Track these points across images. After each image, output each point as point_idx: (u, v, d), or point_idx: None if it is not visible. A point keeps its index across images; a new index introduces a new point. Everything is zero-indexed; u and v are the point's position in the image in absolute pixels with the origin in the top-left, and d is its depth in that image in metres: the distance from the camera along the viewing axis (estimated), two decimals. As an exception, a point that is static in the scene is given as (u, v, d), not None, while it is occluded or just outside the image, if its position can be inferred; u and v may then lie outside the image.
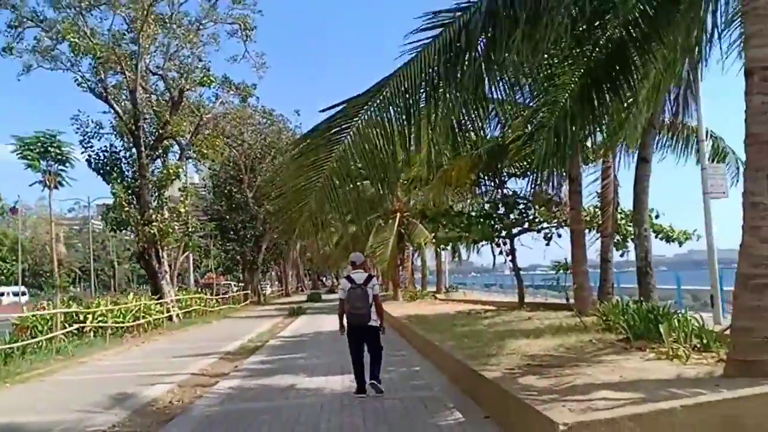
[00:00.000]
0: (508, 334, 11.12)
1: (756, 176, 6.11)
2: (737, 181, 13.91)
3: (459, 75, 8.00)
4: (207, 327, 24.92)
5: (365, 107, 7.38)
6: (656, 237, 16.83)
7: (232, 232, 48.39)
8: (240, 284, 51.22)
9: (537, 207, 16.96)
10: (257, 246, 48.64)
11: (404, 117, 7.54)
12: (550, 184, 15.07)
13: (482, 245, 18.96)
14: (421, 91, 7.66)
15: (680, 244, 16.53)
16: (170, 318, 26.77)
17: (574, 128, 9.08)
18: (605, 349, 8.45)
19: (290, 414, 7.60)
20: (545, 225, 17.58)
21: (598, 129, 10.27)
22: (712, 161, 13.56)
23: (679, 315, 8.65)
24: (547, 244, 17.56)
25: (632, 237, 15.52)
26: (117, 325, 20.46)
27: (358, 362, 8.51)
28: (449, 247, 30.72)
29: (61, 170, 18.25)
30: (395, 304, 27.65)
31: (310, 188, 7.81)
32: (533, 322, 12.86)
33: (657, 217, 16.24)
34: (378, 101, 7.40)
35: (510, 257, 17.98)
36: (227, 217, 48.29)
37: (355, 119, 7.38)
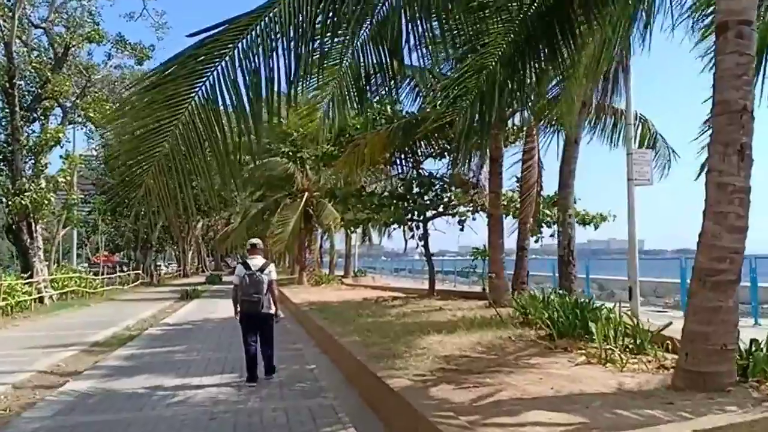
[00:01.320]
0: (418, 327, 9.87)
1: (725, 152, 5.05)
2: (667, 169, 13.27)
3: (372, 19, 6.58)
4: (82, 311, 22.34)
5: (243, 35, 5.63)
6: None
7: (125, 208, 44.89)
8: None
9: (454, 189, 15.88)
10: (152, 223, 45.41)
11: (293, 57, 5.88)
12: (471, 164, 14.04)
13: (394, 228, 17.71)
14: (319, 23, 6.04)
15: (596, 227, 15.93)
16: (41, 300, 23.94)
17: (501, 97, 7.82)
18: (527, 349, 7.33)
19: None
20: (460, 209, 16.53)
21: (528, 101, 9.11)
22: (641, 146, 12.81)
23: (607, 310, 7.67)
24: (461, 229, 16.55)
25: (548, 223, 14.74)
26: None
27: (251, 350, 8.15)
28: (359, 230, 29.42)
29: None
30: (299, 289, 26.07)
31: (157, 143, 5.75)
32: (445, 314, 11.72)
33: (574, 202, 15.51)
34: (259, 30, 5.65)
35: (422, 242, 16.84)
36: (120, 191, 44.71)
37: (228, 47, 5.59)
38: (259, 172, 29.06)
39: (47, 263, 27.39)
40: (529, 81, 7.83)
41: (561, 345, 7.27)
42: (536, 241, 14.96)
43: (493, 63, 7.64)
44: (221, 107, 5.86)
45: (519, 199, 13.52)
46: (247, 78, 5.80)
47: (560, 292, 9.78)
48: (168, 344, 12.47)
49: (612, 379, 5.51)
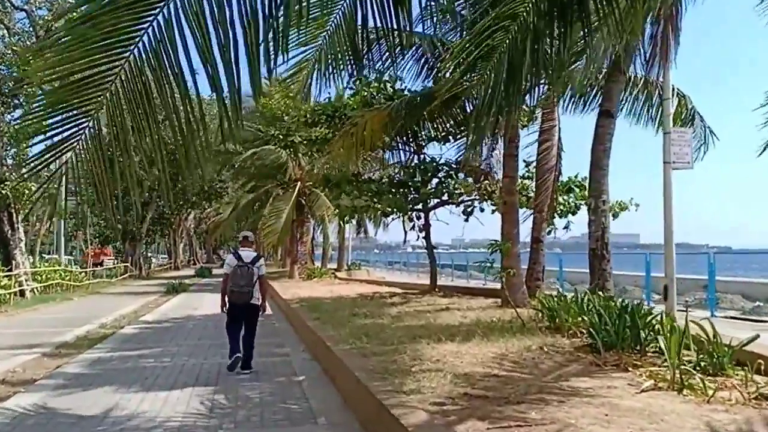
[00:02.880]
0: (424, 331, 8.46)
1: None
2: (703, 153, 11.82)
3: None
4: (63, 306, 20.85)
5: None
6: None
7: (115, 199, 43.18)
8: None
9: (460, 176, 14.42)
10: (141, 215, 43.84)
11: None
12: (482, 147, 12.63)
13: (392, 219, 16.27)
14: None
15: (614, 216, 14.44)
16: (22, 294, 22.44)
17: (536, 56, 6.34)
18: (569, 365, 5.91)
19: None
20: (465, 198, 15.08)
21: (554, 66, 7.62)
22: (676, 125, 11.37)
23: (669, 319, 6.26)
24: (466, 220, 15.09)
25: (562, 212, 13.32)
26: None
27: (235, 339, 8.29)
28: (354, 221, 27.94)
29: None
30: (289, 283, 24.65)
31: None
32: (453, 314, 10.31)
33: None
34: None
35: (423, 233, 15.39)
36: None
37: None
38: (249, 161, 27.60)
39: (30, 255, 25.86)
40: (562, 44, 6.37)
41: (610, 360, 5.86)
42: (549, 233, 13.53)
43: (527, 10, 6.17)
44: (181, 52, 4.35)
45: (534, 186, 12.09)
46: (215, 11, 4.30)
47: (599, 292, 8.36)
48: (141, 346, 11.02)
49: (701, 416, 4.10)
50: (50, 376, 8.39)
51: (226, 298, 8.29)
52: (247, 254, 8.33)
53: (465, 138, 14.37)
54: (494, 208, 14.75)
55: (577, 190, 13.65)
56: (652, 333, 6.15)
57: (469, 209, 14.66)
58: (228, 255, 9.07)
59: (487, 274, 10.81)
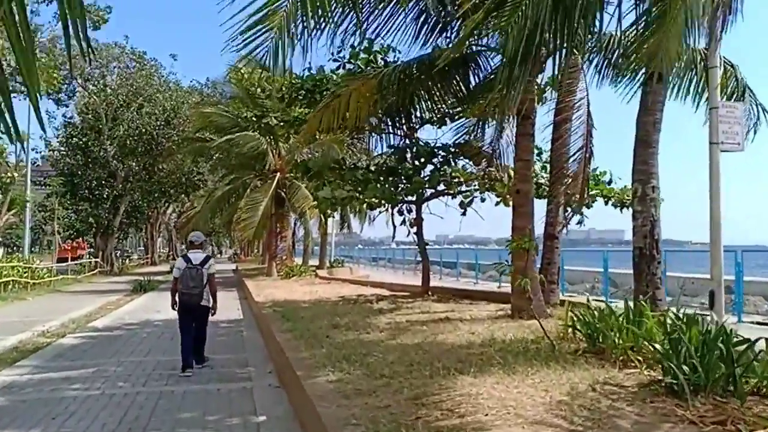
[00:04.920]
0: (423, 354, 6.56)
1: None
2: (753, 133, 9.97)
3: None
4: (11, 307, 18.65)
5: None
6: (606, 203, 12.91)
7: (86, 191, 40.88)
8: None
9: (459, 163, 12.51)
10: (114, 207, 41.48)
11: None
12: (485, 128, 10.77)
13: (379, 212, 14.31)
14: None
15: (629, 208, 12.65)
16: (-34, 292, 20.28)
17: None
18: (655, 417, 4.03)
19: None
20: (463, 188, 13.18)
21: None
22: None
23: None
24: (464, 213, 13.18)
25: (587, 204, 11.48)
26: None
27: (187, 340, 8.27)
28: (336, 215, 25.93)
29: None
30: (266, 282, 22.62)
31: None
32: (457, 328, 8.41)
33: (610, 182, 12.26)
34: None
35: (415, 228, 13.46)
36: (80, 173, 40.69)
37: None
38: (225, 147, 25.53)
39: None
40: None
41: (704, 412, 3.99)
42: (579, 223, 11.67)
43: None
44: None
45: (549, 171, 10.24)
46: None
47: (642, 301, 6.47)
48: (73, 364, 8.99)
49: None
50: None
51: (177, 299, 8.36)
52: (196, 256, 8.42)
53: (465, 118, 12.49)
54: (498, 199, 12.87)
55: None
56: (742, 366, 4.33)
57: (467, 200, 12.74)
58: (178, 258, 9.24)
59: (502, 276, 8.85)
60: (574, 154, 8.74)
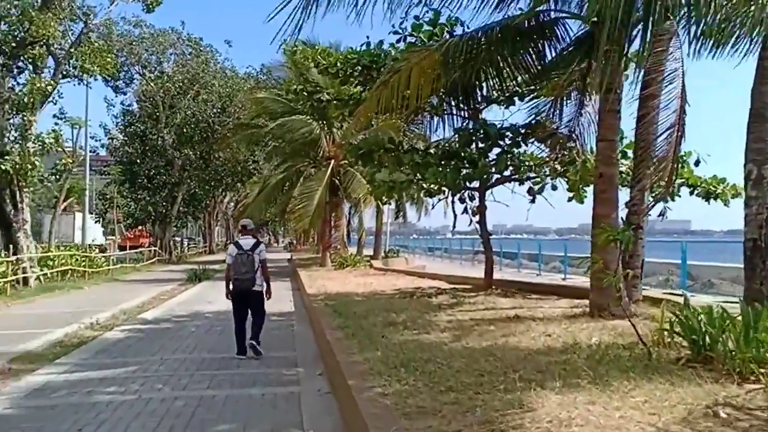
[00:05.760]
0: (494, 362, 5.65)
1: None
2: None
3: None
4: (67, 296, 18.61)
5: None
6: (691, 193, 11.61)
7: (144, 179, 41.39)
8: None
9: (527, 149, 11.40)
10: (171, 196, 41.82)
11: None
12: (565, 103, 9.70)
13: (438, 199, 13.31)
14: None
15: (726, 203, 11.29)
16: (25, 282, 20.39)
17: None
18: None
19: None
20: (531, 175, 12.07)
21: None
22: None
23: None
24: (532, 201, 12.08)
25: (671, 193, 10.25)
26: None
27: (241, 326, 8.48)
28: (392, 203, 25.06)
29: None
30: (319, 272, 22.00)
31: None
32: (530, 329, 7.45)
33: (697, 164, 10.91)
34: None
35: (477, 217, 12.46)
36: (138, 161, 41.23)
37: None
38: (279, 133, 25.06)
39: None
40: None
41: None
42: (661, 215, 10.43)
43: None
44: None
45: (633, 153, 9.08)
46: None
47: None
48: (114, 362, 8.46)
49: None
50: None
51: (231, 287, 8.48)
52: (247, 242, 8.49)
53: (537, 97, 11.39)
54: (570, 188, 11.70)
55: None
56: None
57: (538, 187, 11.63)
58: (230, 245, 9.33)
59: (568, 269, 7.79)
60: (662, 133, 7.59)
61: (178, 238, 51.49)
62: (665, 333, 5.91)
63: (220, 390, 6.73)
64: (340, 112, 13.26)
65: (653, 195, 9.88)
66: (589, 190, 11.68)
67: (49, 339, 10.44)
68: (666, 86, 7.57)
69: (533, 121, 11.10)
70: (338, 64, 11.88)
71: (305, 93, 14.07)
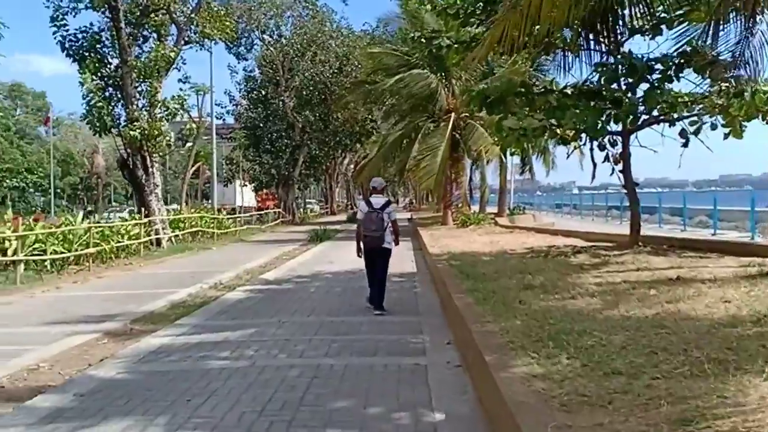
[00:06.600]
0: (669, 336, 4.52)
1: None
2: None
3: None
4: (195, 257, 19.12)
5: None
6: None
7: (267, 143, 42.38)
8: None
9: (680, 80, 9.69)
10: (293, 159, 42.54)
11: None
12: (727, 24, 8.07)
13: (575, 147, 11.83)
14: None
15: None
16: (158, 243, 21.25)
17: None
18: None
19: None
20: (685, 114, 10.36)
21: None
22: None
23: None
24: (685, 144, 10.40)
25: None
26: (56, 256, 15.04)
27: (373, 281, 8.66)
28: (519, 156, 23.54)
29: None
30: (441, 232, 21.17)
31: None
32: (701, 291, 6.17)
33: None
34: None
35: (620, 165, 10.96)
36: (261, 125, 42.21)
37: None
38: (395, 89, 24.21)
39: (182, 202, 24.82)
40: None
41: None
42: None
43: None
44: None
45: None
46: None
47: None
48: (232, 324, 8.10)
49: None
50: (57, 388, 5.50)
51: (361, 244, 8.56)
52: (378, 201, 8.61)
53: (689, 23, 9.66)
54: (726, 121, 9.88)
55: None
56: None
57: (694, 128, 9.92)
58: (360, 202, 9.67)
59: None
60: None
61: (309, 200, 52.64)
62: None
63: (338, 358, 6.08)
64: (461, 57, 12.05)
65: None
66: (750, 125, 9.90)
67: (173, 299, 10.41)
68: None
69: (686, 51, 9.37)
70: (458, 2, 10.69)
71: (422, 41, 12.93)
